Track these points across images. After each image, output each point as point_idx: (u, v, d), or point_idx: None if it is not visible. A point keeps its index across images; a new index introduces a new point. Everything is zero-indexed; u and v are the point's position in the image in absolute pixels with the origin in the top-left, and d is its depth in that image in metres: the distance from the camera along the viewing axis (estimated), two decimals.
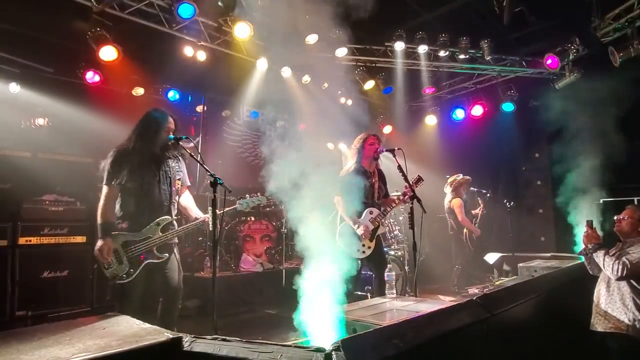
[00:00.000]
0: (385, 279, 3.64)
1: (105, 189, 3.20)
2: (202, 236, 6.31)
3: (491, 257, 6.31)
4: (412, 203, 3.97)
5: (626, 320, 3.04)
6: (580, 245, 4.31)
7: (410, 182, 4.07)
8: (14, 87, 5.67)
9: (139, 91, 6.84)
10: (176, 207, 3.49)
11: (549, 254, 5.66)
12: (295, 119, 4.16)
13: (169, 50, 6.04)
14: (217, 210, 2.94)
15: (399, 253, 6.15)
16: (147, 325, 2.20)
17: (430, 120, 8.84)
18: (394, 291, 3.56)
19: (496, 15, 6.14)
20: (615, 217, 3.39)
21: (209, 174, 3.00)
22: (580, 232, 4.87)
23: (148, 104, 6.59)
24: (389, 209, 4.36)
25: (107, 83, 6.34)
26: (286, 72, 6.82)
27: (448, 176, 6.75)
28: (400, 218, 6.71)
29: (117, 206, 3.25)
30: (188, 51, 6.02)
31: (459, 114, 8.66)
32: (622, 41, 5.97)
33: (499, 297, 2.64)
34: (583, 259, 3.56)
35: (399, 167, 3.98)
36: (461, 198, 6.50)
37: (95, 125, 5.79)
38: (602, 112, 5.32)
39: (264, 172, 3.04)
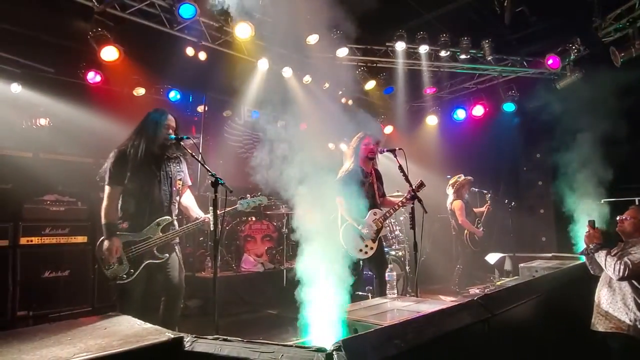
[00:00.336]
0: (386, 279, 3.64)
1: (107, 189, 3.21)
2: (203, 236, 6.32)
3: (492, 258, 6.31)
4: (413, 203, 3.97)
5: (627, 321, 3.03)
6: (581, 245, 4.31)
7: (413, 186, 4.07)
8: (16, 87, 5.68)
9: (140, 91, 6.84)
10: (177, 207, 3.50)
11: (550, 254, 5.65)
12: (296, 119, 4.16)
13: (170, 51, 6.04)
14: (218, 211, 2.94)
15: (400, 253, 6.15)
16: (148, 325, 2.20)
17: (431, 121, 8.84)
18: (395, 291, 3.56)
19: (497, 15, 6.14)
20: (617, 217, 3.39)
21: (210, 174, 2.99)
22: (581, 232, 4.86)
23: (149, 104, 6.60)
24: (392, 211, 4.35)
25: (108, 83, 6.35)
26: (287, 72, 6.82)
27: (449, 177, 6.74)
28: (401, 218, 6.71)
29: (118, 206, 3.26)
30: (189, 51, 6.02)
31: (460, 114, 8.66)
32: (624, 41, 5.97)
33: (500, 298, 2.64)
34: (584, 259, 3.55)
35: (400, 168, 3.98)
36: (463, 199, 6.49)
37: (97, 125, 5.80)
38: (603, 112, 5.31)
39: (265, 172, 3.05)
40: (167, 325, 2.51)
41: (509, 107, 7.94)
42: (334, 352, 1.49)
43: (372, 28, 6.43)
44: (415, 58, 7.28)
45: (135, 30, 5.50)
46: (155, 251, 3.25)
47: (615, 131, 5.25)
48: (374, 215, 4.26)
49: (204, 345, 1.80)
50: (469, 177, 6.65)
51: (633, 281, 3.03)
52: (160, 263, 3.27)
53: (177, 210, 3.49)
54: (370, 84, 7.53)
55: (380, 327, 2.09)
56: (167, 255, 3.30)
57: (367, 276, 4.60)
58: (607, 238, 3.41)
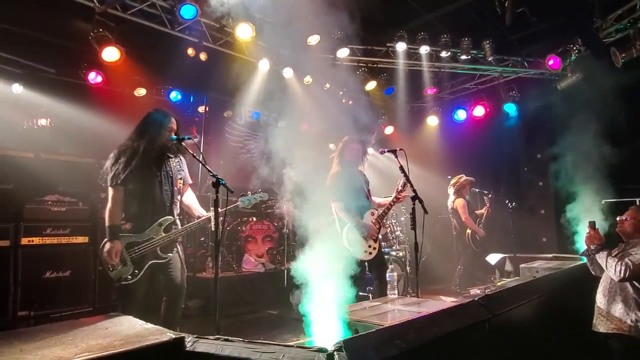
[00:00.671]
0: (387, 279, 3.65)
1: (110, 190, 3.21)
2: (204, 237, 6.32)
3: (493, 258, 6.31)
4: (413, 203, 3.97)
5: (628, 321, 3.03)
6: (582, 246, 4.31)
7: (399, 187, 4.22)
8: (17, 88, 5.69)
9: (141, 92, 6.85)
10: (179, 206, 3.50)
11: (550, 255, 5.66)
12: (297, 119, 4.16)
13: (171, 51, 6.05)
14: (219, 211, 2.94)
15: (401, 254, 6.15)
16: (149, 325, 2.20)
17: (432, 121, 8.84)
18: (396, 292, 3.57)
19: (498, 15, 6.14)
20: (617, 218, 3.39)
21: (211, 174, 2.99)
22: (582, 232, 4.86)
23: (150, 104, 6.61)
24: (387, 210, 4.38)
25: (109, 84, 6.36)
26: (288, 72, 6.83)
27: (450, 177, 6.74)
28: (402, 218, 6.71)
29: (122, 208, 3.25)
30: (190, 52, 6.02)
31: (461, 114, 8.66)
32: (624, 42, 5.96)
33: (500, 298, 2.64)
34: (585, 259, 3.56)
35: (401, 168, 3.99)
36: (464, 199, 6.49)
37: (98, 125, 5.81)
38: (604, 112, 5.31)
39: (265, 172, 3.05)
40: (168, 326, 2.51)
41: (509, 107, 7.94)
42: (335, 353, 1.50)
43: (372, 29, 6.43)
44: (416, 58, 7.28)
45: (136, 31, 5.51)
46: (158, 251, 3.25)
47: (616, 131, 5.25)
48: (372, 215, 4.28)
49: (205, 345, 1.80)
50: (470, 178, 6.65)
51: (634, 282, 3.03)
52: (163, 263, 3.27)
53: (178, 210, 3.49)
54: (371, 85, 7.53)
55: (381, 327, 2.09)
56: (170, 255, 3.31)
57: (368, 276, 4.61)
58: (608, 239, 3.42)
